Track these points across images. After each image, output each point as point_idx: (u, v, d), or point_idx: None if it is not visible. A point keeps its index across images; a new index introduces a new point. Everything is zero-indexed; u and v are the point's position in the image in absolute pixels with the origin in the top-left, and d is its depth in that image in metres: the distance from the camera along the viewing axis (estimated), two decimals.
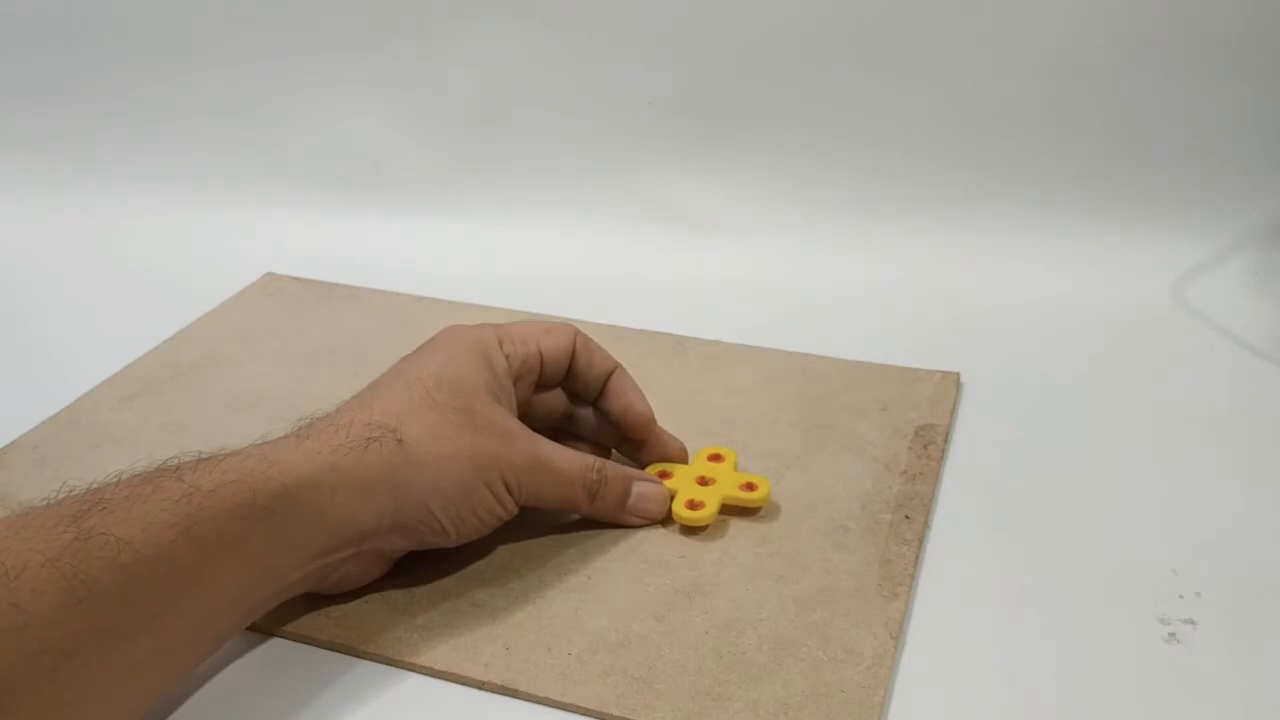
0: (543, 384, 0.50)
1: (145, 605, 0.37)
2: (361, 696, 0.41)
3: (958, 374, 0.60)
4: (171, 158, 0.82)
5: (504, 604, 0.45)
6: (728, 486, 0.50)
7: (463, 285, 0.71)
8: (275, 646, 0.44)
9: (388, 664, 0.43)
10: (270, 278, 0.73)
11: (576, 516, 0.49)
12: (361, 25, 0.78)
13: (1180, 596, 0.45)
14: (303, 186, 0.81)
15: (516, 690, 0.41)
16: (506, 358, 0.48)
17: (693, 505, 0.49)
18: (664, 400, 0.54)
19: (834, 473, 0.53)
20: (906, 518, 0.49)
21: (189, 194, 0.81)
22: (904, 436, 0.55)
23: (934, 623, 0.44)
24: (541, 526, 0.49)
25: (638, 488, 0.49)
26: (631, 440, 0.52)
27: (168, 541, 0.37)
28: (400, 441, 0.43)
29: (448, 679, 0.42)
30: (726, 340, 0.64)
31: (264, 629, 0.44)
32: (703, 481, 0.50)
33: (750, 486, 0.50)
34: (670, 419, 0.53)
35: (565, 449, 0.47)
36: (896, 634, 0.43)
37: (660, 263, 0.74)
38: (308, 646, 0.44)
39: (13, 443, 0.56)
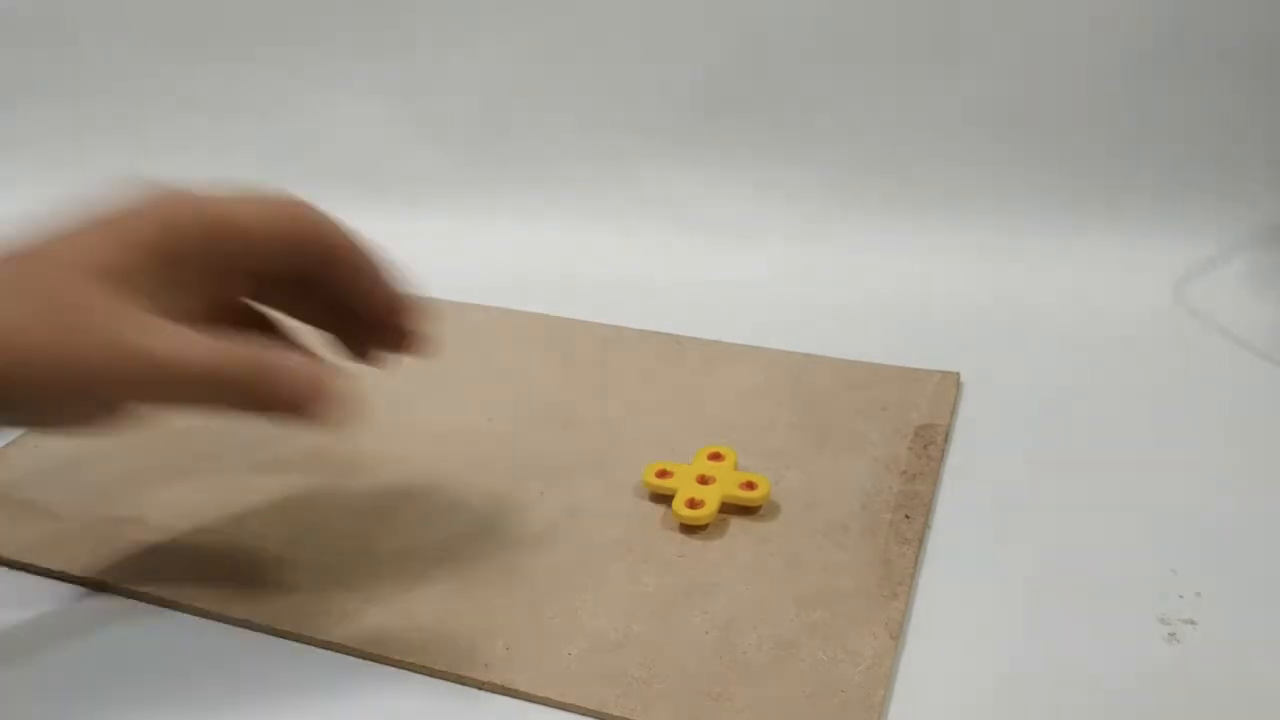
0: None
1: None
2: (361, 696, 0.41)
3: (957, 374, 0.60)
4: (171, 158, 0.82)
5: (504, 604, 0.45)
6: (728, 485, 0.50)
7: (463, 285, 0.70)
8: (274, 646, 0.44)
9: (388, 664, 0.43)
10: None
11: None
12: (362, 25, 0.78)
13: (1180, 596, 0.45)
14: (303, 186, 0.80)
15: (516, 690, 0.41)
16: (180, 243, 0.39)
17: (693, 504, 0.49)
18: (664, 400, 0.54)
19: (834, 473, 0.53)
20: (906, 517, 0.49)
21: None
22: (904, 436, 0.55)
23: (934, 622, 0.44)
24: (541, 526, 0.49)
25: (279, 363, 0.39)
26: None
27: None
28: None
29: (448, 679, 0.42)
30: (726, 340, 0.64)
31: (264, 628, 0.44)
32: (703, 480, 0.50)
33: (750, 485, 0.50)
34: (671, 419, 0.53)
35: (183, 335, 0.37)
36: (896, 634, 0.43)
37: (660, 263, 0.74)
38: (307, 647, 0.44)
39: (14, 441, 0.56)
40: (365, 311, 0.43)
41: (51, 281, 0.37)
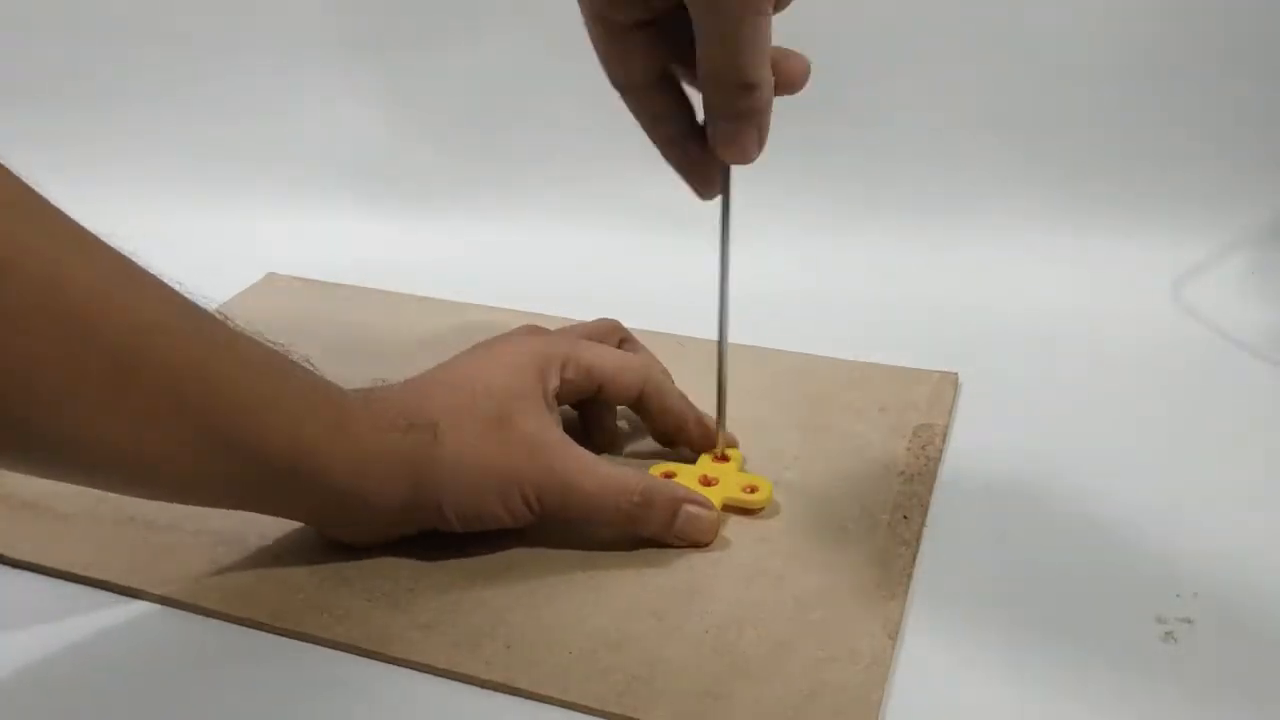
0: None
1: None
2: (364, 694, 0.42)
3: (955, 374, 0.60)
4: (172, 158, 0.82)
5: (505, 602, 0.45)
6: (730, 488, 0.50)
7: (463, 285, 0.71)
8: (277, 645, 0.44)
9: (390, 662, 0.43)
10: (271, 278, 0.73)
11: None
12: (361, 25, 0.79)
13: (1177, 596, 0.45)
14: (303, 186, 0.81)
15: (518, 688, 0.41)
16: (562, 381, 0.49)
17: None
18: None
19: (833, 473, 0.53)
20: (904, 518, 0.50)
21: (189, 194, 0.81)
22: (902, 436, 0.55)
23: (932, 622, 0.44)
24: (540, 526, 0.49)
25: (686, 511, 0.47)
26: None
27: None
28: (435, 437, 0.45)
29: (450, 677, 0.42)
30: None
31: (266, 627, 0.44)
32: (705, 482, 0.50)
33: (752, 489, 0.50)
34: None
35: (606, 467, 0.47)
36: (894, 634, 0.43)
37: (660, 263, 0.74)
38: (310, 645, 0.44)
39: None
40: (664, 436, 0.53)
41: (504, 411, 0.46)
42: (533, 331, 0.51)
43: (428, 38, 0.78)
